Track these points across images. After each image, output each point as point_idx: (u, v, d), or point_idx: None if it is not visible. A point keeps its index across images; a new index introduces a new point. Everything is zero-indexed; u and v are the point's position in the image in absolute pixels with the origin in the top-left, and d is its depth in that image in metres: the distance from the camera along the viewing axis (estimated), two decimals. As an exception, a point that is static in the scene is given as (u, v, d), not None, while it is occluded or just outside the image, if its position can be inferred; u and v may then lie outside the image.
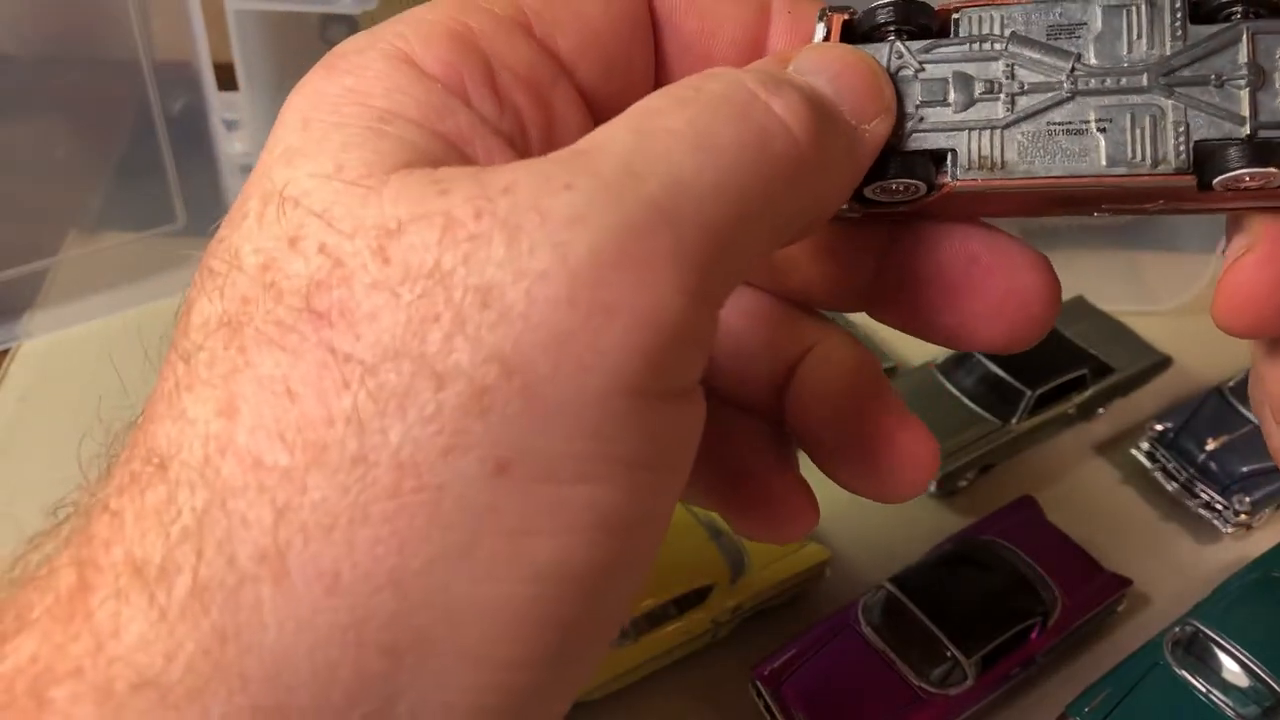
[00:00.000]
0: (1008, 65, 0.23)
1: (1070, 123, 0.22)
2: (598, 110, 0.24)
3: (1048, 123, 0.22)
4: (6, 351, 0.58)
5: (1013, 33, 0.23)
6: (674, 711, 0.44)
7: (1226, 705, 0.41)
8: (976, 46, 0.23)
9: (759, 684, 0.42)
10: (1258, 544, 0.49)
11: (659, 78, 0.25)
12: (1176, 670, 0.42)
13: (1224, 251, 0.23)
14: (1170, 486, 0.53)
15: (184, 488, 0.18)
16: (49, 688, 0.17)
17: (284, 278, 0.19)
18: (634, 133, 0.19)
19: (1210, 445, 0.52)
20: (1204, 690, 0.41)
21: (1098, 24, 0.22)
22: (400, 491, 0.17)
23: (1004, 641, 0.43)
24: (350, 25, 0.59)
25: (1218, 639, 0.42)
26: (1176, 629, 0.43)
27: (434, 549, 0.17)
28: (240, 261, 0.19)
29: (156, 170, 0.59)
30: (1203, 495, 0.52)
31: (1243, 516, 0.51)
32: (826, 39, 0.24)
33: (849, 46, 0.23)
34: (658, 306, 0.18)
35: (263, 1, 0.53)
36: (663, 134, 0.19)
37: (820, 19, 0.24)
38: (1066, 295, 0.62)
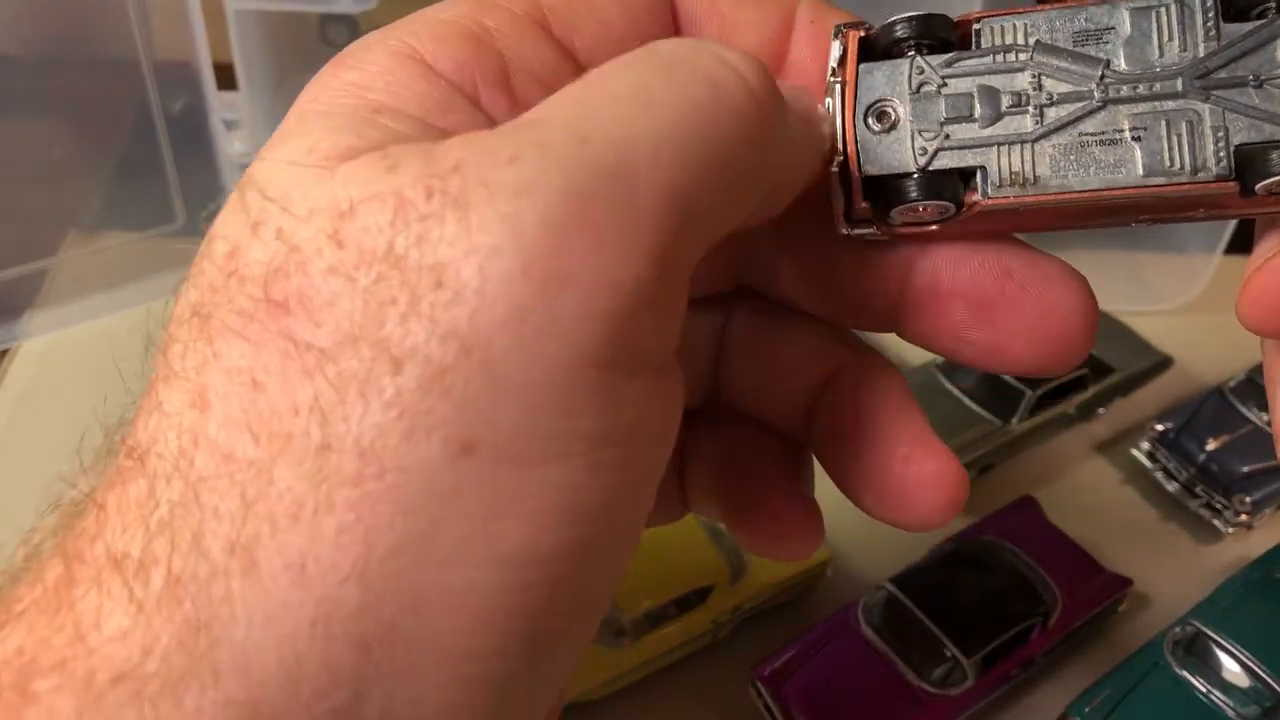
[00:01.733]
0: (1034, 76, 0.22)
1: (1103, 133, 0.21)
2: None
3: (1080, 134, 0.21)
4: (6, 351, 0.58)
5: (1037, 41, 0.22)
6: (674, 712, 0.44)
7: (1227, 705, 0.41)
8: (1000, 58, 0.22)
9: (759, 684, 0.42)
10: (1258, 544, 0.49)
11: None
12: (1177, 670, 0.42)
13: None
14: (1171, 487, 0.53)
15: (161, 480, 0.18)
16: (33, 680, 0.17)
17: (244, 265, 0.18)
18: (577, 100, 0.19)
19: (1211, 445, 0.52)
20: (1204, 690, 0.41)
21: (1126, 28, 0.21)
22: (363, 479, 0.17)
23: (1004, 642, 0.43)
24: (350, 25, 0.59)
25: (1218, 639, 0.42)
26: (1177, 629, 0.43)
27: (398, 536, 0.17)
28: (210, 250, 0.19)
29: (156, 170, 0.59)
30: (1203, 495, 0.51)
31: (1243, 517, 0.51)
32: (843, 57, 0.23)
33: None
34: (615, 271, 0.17)
35: (262, 1, 0.53)
36: (608, 98, 0.19)
37: (835, 35, 0.23)
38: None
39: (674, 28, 0.25)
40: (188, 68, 0.56)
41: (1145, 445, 0.54)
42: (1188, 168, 0.21)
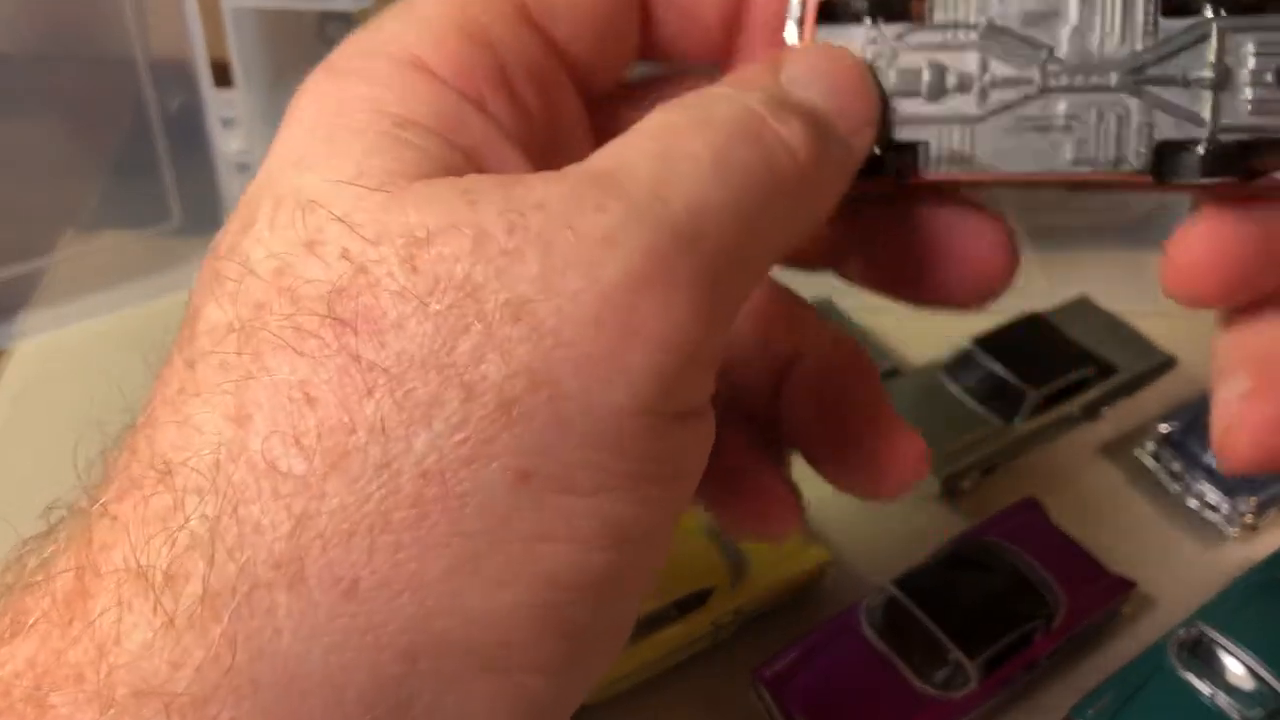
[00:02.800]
0: (981, 57, 0.23)
1: (1040, 118, 0.22)
2: (585, 82, 0.24)
3: (1017, 117, 0.22)
4: (2, 351, 0.58)
5: (988, 21, 0.23)
6: (675, 715, 0.44)
7: (1232, 708, 0.40)
8: (951, 34, 0.23)
9: (761, 686, 0.42)
10: (1263, 546, 0.49)
11: (643, 39, 0.26)
12: (1181, 673, 0.42)
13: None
14: (1175, 488, 0.52)
15: (192, 494, 0.18)
16: (49, 693, 0.17)
17: (301, 283, 0.18)
18: (658, 157, 0.20)
19: (1215, 446, 0.52)
20: (1209, 693, 0.41)
21: (1072, 15, 0.22)
22: (423, 499, 0.17)
23: (1008, 644, 0.42)
24: (348, 23, 0.58)
25: (1223, 642, 0.42)
26: (1181, 631, 0.43)
27: (453, 555, 0.17)
28: (252, 266, 0.19)
29: (152, 169, 0.59)
30: (1208, 497, 0.51)
31: (1248, 519, 0.50)
32: (801, 20, 0.24)
33: (836, 50, 0.23)
34: (677, 330, 0.19)
35: (260, -1, 0.52)
36: (685, 158, 0.20)
37: None
38: (1070, 295, 0.62)
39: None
40: (184, 66, 0.56)
41: (1149, 446, 0.54)
42: (1110, 159, 0.22)
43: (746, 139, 0.20)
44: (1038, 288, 0.59)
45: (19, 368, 0.57)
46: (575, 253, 0.18)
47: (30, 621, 0.18)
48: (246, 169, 0.60)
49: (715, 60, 0.26)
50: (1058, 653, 0.45)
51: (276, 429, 0.18)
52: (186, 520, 0.17)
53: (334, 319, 0.18)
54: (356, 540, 0.17)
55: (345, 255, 0.18)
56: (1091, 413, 0.56)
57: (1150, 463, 0.53)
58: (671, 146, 0.20)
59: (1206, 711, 0.41)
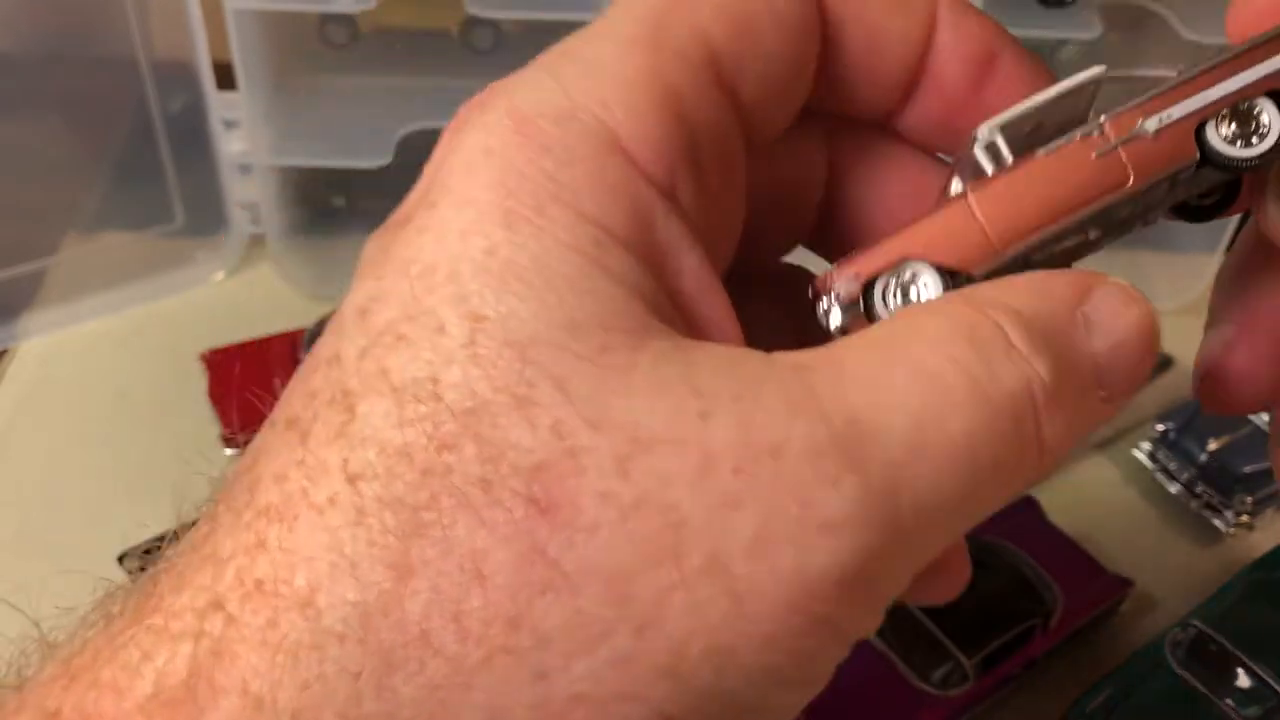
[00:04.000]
0: None
1: None
2: (754, 138, 0.22)
3: None
4: (5, 352, 0.58)
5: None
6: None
7: (1228, 706, 0.40)
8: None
9: (759, 685, 0.42)
10: (1259, 544, 0.49)
11: (813, 92, 0.23)
12: (1178, 671, 0.42)
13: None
14: (1172, 487, 0.53)
15: (333, 640, 0.16)
16: None
17: (506, 445, 0.16)
18: (912, 427, 0.17)
19: (1212, 445, 0.52)
20: (1206, 691, 0.41)
21: None
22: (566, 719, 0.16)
23: (1005, 643, 0.43)
24: (349, 25, 0.59)
25: (1220, 640, 0.42)
26: (1178, 630, 0.43)
27: None
28: (443, 392, 0.17)
29: (155, 170, 0.59)
30: (1204, 496, 0.51)
31: (1244, 517, 0.51)
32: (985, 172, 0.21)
33: (1141, 303, 0.21)
34: (865, 630, 0.18)
35: (262, 0, 0.52)
36: (941, 441, 0.18)
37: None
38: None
39: (820, 43, 0.22)
40: (187, 67, 0.56)
41: (1146, 445, 0.54)
42: None
43: (1008, 435, 0.18)
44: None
45: (21, 368, 0.58)
46: (793, 529, 0.16)
47: None
48: (248, 170, 0.60)
49: (884, 114, 0.24)
50: (1055, 651, 0.45)
51: (438, 596, 0.16)
52: (322, 668, 0.16)
53: (530, 498, 0.16)
54: None
55: (557, 430, 0.16)
56: (1089, 412, 0.56)
57: (1147, 462, 0.53)
58: (931, 413, 0.18)
59: (1203, 709, 0.41)
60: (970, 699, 0.42)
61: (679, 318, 0.19)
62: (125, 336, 0.59)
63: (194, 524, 0.19)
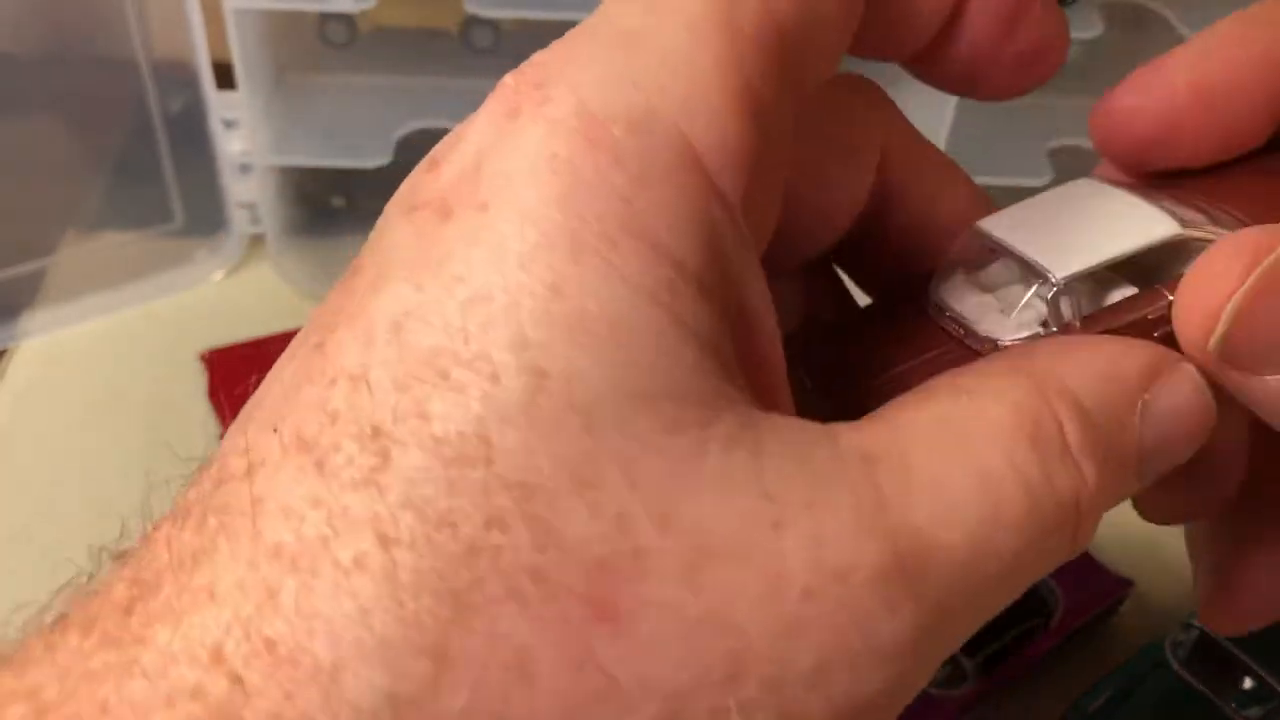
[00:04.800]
0: None
1: None
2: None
3: None
4: (4, 351, 0.58)
5: None
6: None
7: (1229, 707, 0.40)
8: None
9: (760, 686, 0.42)
10: (1260, 545, 0.49)
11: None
12: (1179, 672, 0.42)
13: None
14: (1172, 487, 0.52)
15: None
16: None
17: (564, 533, 0.15)
18: (967, 562, 0.17)
19: (1212, 446, 0.52)
20: (1207, 692, 0.41)
21: None
22: None
23: (1006, 643, 0.43)
24: (349, 24, 0.59)
25: (1221, 641, 0.42)
26: (1179, 630, 0.43)
27: None
28: (494, 461, 0.15)
29: (155, 170, 0.59)
30: (1205, 496, 0.51)
31: (1245, 517, 0.50)
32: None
33: (1213, 403, 0.20)
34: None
35: (262, 0, 0.52)
36: (991, 568, 0.18)
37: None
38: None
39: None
40: (186, 67, 0.56)
41: (1146, 445, 0.54)
42: None
43: (1056, 546, 0.19)
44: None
45: (21, 368, 0.58)
46: (853, 659, 0.16)
47: None
48: (248, 169, 0.60)
49: (917, 60, 0.22)
50: (1056, 651, 0.45)
51: (481, 695, 0.14)
52: None
53: (588, 597, 0.15)
54: None
55: (621, 524, 0.15)
56: (1090, 412, 0.56)
57: (1148, 462, 0.53)
58: (986, 529, 0.17)
59: (1204, 710, 0.41)
60: (970, 699, 0.42)
61: (740, 364, 0.18)
62: (125, 336, 0.59)
63: (172, 517, 0.17)
